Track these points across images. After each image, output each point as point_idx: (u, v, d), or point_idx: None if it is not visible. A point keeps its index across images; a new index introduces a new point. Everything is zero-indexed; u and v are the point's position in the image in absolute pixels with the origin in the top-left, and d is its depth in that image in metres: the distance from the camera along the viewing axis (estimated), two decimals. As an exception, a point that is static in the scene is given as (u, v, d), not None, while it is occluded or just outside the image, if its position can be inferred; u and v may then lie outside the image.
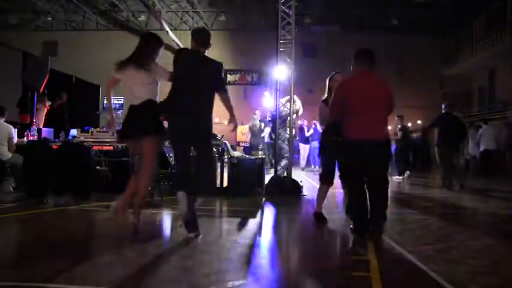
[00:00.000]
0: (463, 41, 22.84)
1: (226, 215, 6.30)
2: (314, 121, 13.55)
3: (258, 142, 12.68)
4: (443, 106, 9.61)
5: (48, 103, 11.46)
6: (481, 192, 9.33)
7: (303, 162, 15.04)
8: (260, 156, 8.51)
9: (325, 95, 5.46)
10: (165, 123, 4.55)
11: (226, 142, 7.98)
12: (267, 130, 13.05)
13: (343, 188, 5.55)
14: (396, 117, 12.59)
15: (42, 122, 11.17)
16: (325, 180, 5.34)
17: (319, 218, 5.34)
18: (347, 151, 4.55)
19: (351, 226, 4.64)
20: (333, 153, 5.17)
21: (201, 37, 4.55)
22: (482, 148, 13.55)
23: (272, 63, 8.79)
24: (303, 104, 8.83)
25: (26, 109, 11.31)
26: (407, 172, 11.95)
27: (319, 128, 9.26)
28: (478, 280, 3.26)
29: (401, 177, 11.65)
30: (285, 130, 8.83)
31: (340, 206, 6.75)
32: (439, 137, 9.36)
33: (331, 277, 3.25)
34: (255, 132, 13.57)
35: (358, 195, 4.46)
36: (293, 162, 9.17)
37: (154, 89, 4.50)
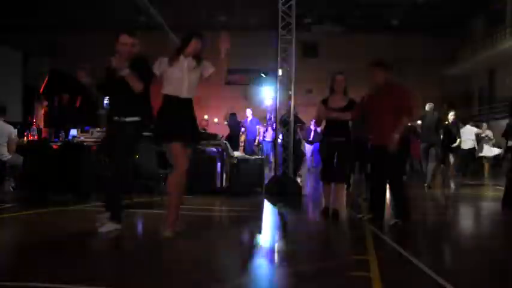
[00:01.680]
0: (463, 41, 22.83)
1: (226, 215, 6.30)
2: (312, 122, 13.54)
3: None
4: (426, 106, 9.83)
5: (45, 103, 11.48)
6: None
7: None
8: (260, 156, 8.51)
9: (328, 95, 5.52)
10: None
11: (226, 142, 7.98)
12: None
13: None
14: None
15: (42, 121, 11.20)
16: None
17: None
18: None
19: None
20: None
21: None
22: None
23: (272, 63, 8.79)
24: (302, 104, 8.82)
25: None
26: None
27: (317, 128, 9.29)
28: (478, 280, 3.27)
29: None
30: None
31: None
32: (421, 135, 9.92)
33: (331, 277, 3.25)
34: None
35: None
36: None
37: None
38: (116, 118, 4.36)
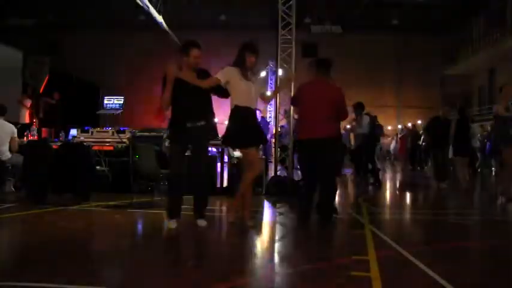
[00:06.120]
0: (463, 41, 22.83)
1: (225, 215, 6.29)
2: None
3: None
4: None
5: (28, 101, 11.51)
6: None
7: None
8: (260, 157, 8.48)
9: None
10: None
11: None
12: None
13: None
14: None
15: (25, 119, 11.23)
16: None
17: None
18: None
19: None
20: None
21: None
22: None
23: (272, 64, 8.78)
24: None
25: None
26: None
27: None
28: (478, 280, 3.27)
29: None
30: None
31: (340, 205, 6.74)
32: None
33: (331, 277, 3.25)
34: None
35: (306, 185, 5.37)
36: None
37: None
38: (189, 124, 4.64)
